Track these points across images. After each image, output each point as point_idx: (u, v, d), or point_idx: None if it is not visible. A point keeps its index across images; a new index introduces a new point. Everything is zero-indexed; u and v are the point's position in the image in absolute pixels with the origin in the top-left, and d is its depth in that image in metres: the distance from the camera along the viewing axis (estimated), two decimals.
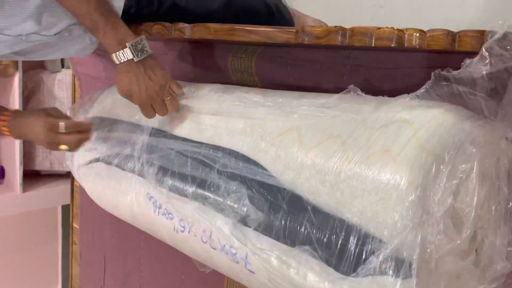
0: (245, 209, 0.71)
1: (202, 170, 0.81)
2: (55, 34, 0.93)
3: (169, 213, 0.86)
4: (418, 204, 0.56)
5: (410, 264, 0.55)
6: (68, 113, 1.19)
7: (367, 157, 0.61)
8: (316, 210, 0.64)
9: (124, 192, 0.97)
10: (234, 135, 0.80)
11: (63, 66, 2.28)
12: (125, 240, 1.57)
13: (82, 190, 1.77)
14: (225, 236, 0.74)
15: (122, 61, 0.85)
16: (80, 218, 1.83)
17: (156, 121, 0.95)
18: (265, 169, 0.72)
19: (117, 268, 1.59)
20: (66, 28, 0.94)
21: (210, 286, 1.17)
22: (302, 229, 0.64)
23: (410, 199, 0.56)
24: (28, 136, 0.97)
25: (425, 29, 0.75)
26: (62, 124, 0.92)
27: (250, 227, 0.70)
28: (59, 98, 2.24)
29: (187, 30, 1.06)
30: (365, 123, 0.65)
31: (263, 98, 0.79)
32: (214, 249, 0.77)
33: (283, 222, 0.67)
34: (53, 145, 0.94)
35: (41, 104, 2.20)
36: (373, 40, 0.79)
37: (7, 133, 0.98)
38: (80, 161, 1.13)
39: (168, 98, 0.89)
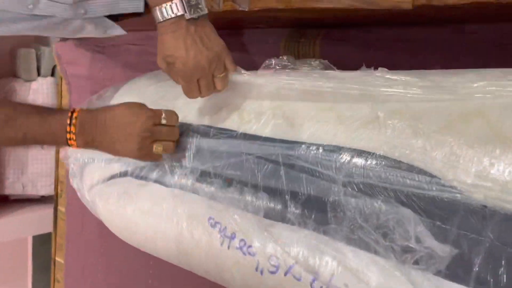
0: (413, 239, 0.44)
1: (310, 182, 0.54)
2: None
3: (248, 246, 0.58)
4: None
5: None
6: None
7: None
8: None
9: (169, 217, 0.68)
10: (358, 129, 0.53)
11: (39, 74, 2.00)
12: (128, 279, 1.27)
13: (70, 216, 1.50)
14: (374, 282, 0.46)
15: (168, 17, 0.65)
16: (66, 251, 1.54)
17: (216, 118, 0.68)
18: (436, 177, 0.45)
19: None
20: None
21: None
22: None
23: None
24: (108, 138, 0.70)
25: None
26: (162, 113, 0.71)
27: (428, 270, 0.43)
28: None
29: (243, 0, 0.80)
30: None
31: (402, 76, 0.53)
32: None
33: (491, 262, 0.41)
34: (148, 146, 0.70)
35: None
36: None
37: (73, 142, 0.70)
38: (94, 178, 0.84)
39: (222, 74, 0.67)
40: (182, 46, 0.64)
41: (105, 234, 1.34)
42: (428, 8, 0.66)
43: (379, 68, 0.58)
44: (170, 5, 0.64)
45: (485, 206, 0.42)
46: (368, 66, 0.85)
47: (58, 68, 1.48)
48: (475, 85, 0.48)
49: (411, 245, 0.44)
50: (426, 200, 0.45)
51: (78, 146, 0.71)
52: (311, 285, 0.52)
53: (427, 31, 0.79)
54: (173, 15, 0.64)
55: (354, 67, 0.89)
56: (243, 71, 0.69)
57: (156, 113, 0.71)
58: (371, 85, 0.54)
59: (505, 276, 0.40)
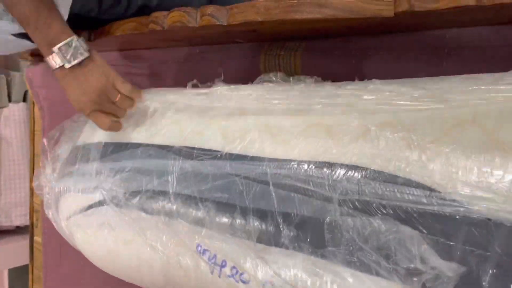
0: (418, 260, 0.41)
1: (304, 202, 0.51)
2: None
3: (241, 274, 0.54)
4: None
5: None
6: (45, 143, 0.87)
7: None
8: None
9: (153, 246, 0.64)
10: (350, 143, 0.51)
11: (10, 100, 1.94)
12: None
13: (46, 246, 1.43)
14: None
15: (54, 67, 0.72)
16: (44, 283, 1.46)
17: (199, 139, 0.65)
18: (436, 191, 0.43)
19: None
20: None
21: None
22: None
23: None
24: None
25: None
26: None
27: None
28: (6, 138, 1.91)
29: (221, 14, 0.78)
30: None
31: (388, 85, 0.51)
32: None
33: (501, 277, 0.39)
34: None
35: None
36: None
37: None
38: (71, 208, 0.79)
39: (117, 98, 0.74)
40: (72, 88, 0.72)
41: (84, 263, 1.28)
42: (410, 15, 0.65)
43: (372, 80, 0.56)
44: (52, 58, 0.71)
45: (489, 219, 0.40)
46: (351, 77, 0.84)
47: (30, 92, 1.43)
48: (468, 91, 0.46)
49: (416, 266, 0.41)
50: (427, 216, 0.43)
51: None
52: None
53: (409, 39, 0.78)
54: (57, 66, 0.71)
55: (337, 77, 0.87)
56: (225, 86, 0.68)
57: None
58: (358, 97, 0.52)
59: None
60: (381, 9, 0.67)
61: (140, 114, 0.76)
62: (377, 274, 0.44)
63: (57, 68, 0.71)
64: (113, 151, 0.76)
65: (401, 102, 0.49)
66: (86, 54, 0.71)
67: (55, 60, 0.71)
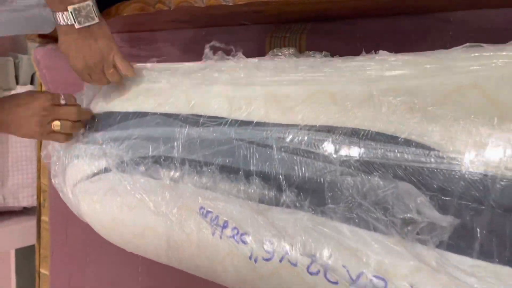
0: (415, 211, 0.42)
1: (305, 164, 0.52)
2: None
3: (241, 234, 0.56)
4: None
5: None
6: None
7: None
8: None
9: (158, 211, 0.65)
10: (352, 108, 0.52)
11: (17, 83, 1.95)
12: (116, 287, 1.23)
13: (54, 225, 1.45)
14: (374, 260, 0.45)
15: (62, 23, 0.75)
16: (51, 262, 1.48)
17: (206, 107, 0.67)
18: (434, 149, 0.45)
19: None
20: None
21: None
22: None
23: None
24: (15, 121, 0.78)
25: None
26: (61, 95, 0.82)
27: (431, 242, 0.42)
28: None
29: None
30: None
31: (390, 56, 0.53)
32: (334, 283, 0.48)
33: (495, 230, 0.40)
34: (47, 125, 0.80)
35: None
36: None
37: None
38: (78, 175, 0.80)
39: (110, 71, 0.78)
40: (73, 47, 0.76)
41: (90, 241, 1.30)
42: None
43: (380, 51, 0.57)
44: (63, 15, 0.74)
45: (486, 175, 0.41)
46: None
47: (37, 74, 1.45)
48: (470, 58, 0.48)
49: (412, 216, 0.42)
50: (425, 173, 0.44)
51: None
52: (307, 269, 0.50)
53: (413, 21, 0.79)
54: (65, 23, 0.74)
55: None
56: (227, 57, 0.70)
57: (55, 95, 0.81)
58: (364, 67, 0.54)
59: (508, 244, 0.39)
60: None
61: (149, 85, 0.77)
62: (375, 229, 0.45)
63: (65, 25, 0.74)
64: (121, 119, 0.77)
65: (405, 71, 0.51)
66: (97, 20, 0.75)
67: (67, 17, 0.74)
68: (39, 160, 1.55)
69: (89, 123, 0.84)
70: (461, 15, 0.75)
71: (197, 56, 1.07)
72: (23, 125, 0.78)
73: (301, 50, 0.90)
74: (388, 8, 0.78)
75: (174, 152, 0.65)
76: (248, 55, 0.96)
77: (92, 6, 0.74)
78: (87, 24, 0.74)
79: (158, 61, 0.88)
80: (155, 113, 0.72)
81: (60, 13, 0.74)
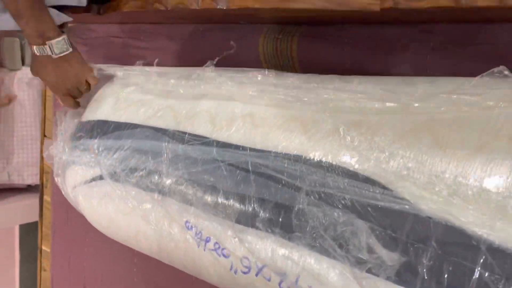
0: (365, 250, 0.48)
1: (278, 190, 0.58)
2: None
3: (222, 249, 0.62)
4: None
5: None
6: (56, 119, 0.97)
7: None
8: (494, 250, 0.43)
9: (149, 219, 0.71)
10: (321, 139, 0.57)
11: (23, 64, 1.98)
12: (113, 269, 1.31)
13: (55, 206, 1.52)
14: (332, 286, 0.51)
15: (42, 54, 0.85)
16: (52, 240, 1.56)
17: (190, 124, 0.71)
18: (388, 189, 0.49)
19: None
20: None
21: None
22: (472, 279, 0.43)
23: None
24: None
25: None
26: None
27: (379, 277, 0.48)
28: (19, 100, 1.96)
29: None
30: None
31: (363, 85, 0.56)
32: None
33: (434, 269, 0.45)
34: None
35: None
36: None
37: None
38: (77, 179, 0.86)
39: (85, 88, 0.92)
40: (51, 75, 0.88)
41: (90, 225, 1.36)
42: (395, 11, 0.69)
43: (353, 77, 0.60)
44: (40, 48, 0.83)
45: (430, 218, 0.46)
46: (344, 63, 0.88)
47: None
48: (428, 98, 0.51)
49: (363, 256, 0.47)
50: (380, 211, 0.49)
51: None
52: (279, 285, 0.56)
53: (398, 31, 0.81)
54: (42, 54, 0.84)
55: (330, 62, 0.91)
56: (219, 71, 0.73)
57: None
58: (335, 97, 0.57)
59: (446, 281, 0.44)
60: (370, 3, 0.70)
61: (139, 96, 0.82)
62: (334, 258, 0.51)
63: (42, 56, 0.85)
64: (114, 129, 0.83)
65: (369, 105, 0.54)
66: (70, 49, 0.86)
67: (44, 50, 0.84)
68: (42, 142, 1.59)
69: (84, 131, 0.90)
70: (442, 27, 0.77)
71: (194, 50, 1.10)
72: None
73: (292, 52, 0.93)
74: (372, 18, 0.80)
75: (162, 167, 0.70)
76: (243, 53, 0.99)
77: (67, 39, 0.85)
78: (62, 54, 0.85)
79: (157, 64, 0.91)
80: (144, 126, 0.77)
81: (39, 46, 0.84)
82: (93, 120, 0.89)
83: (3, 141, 1.94)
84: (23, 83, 1.93)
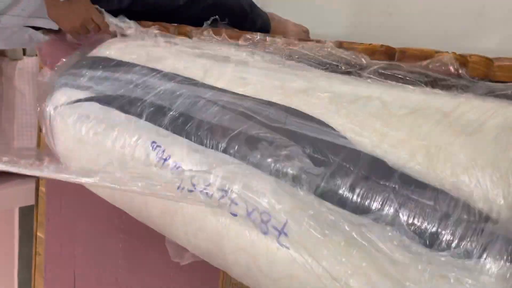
0: (299, 166, 0.57)
1: (243, 122, 0.66)
2: None
3: (178, 167, 0.69)
4: None
5: None
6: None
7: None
8: (405, 177, 0.52)
9: (118, 137, 0.79)
10: (292, 94, 0.67)
11: (24, 53, 2.01)
12: (100, 255, 1.38)
13: (49, 196, 1.57)
14: (262, 198, 0.58)
15: None
16: (46, 228, 1.61)
17: (185, 69, 0.81)
18: (334, 129, 0.59)
19: (89, 287, 1.41)
20: None
21: None
22: (382, 197, 0.52)
23: None
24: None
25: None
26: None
27: (303, 188, 0.56)
28: (20, 89, 1.98)
29: None
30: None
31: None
32: (234, 214, 0.62)
33: (355, 188, 0.54)
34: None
35: None
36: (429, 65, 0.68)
37: None
38: (61, 100, 0.93)
39: (92, 26, 1.05)
40: (61, 15, 1.04)
41: (82, 212, 1.44)
42: None
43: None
44: None
45: (361, 151, 0.56)
46: None
47: (40, 59, 1.49)
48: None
49: (297, 169, 0.57)
50: (322, 142, 0.59)
51: None
52: (217, 197, 0.62)
53: None
54: None
55: None
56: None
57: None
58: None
59: (360, 200, 0.53)
60: None
61: (145, 44, 0.93)
62: (272, 174, 0.60)
63: (54, 1, 1.00)
64: (115, 65, 0.92)
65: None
66: None
67: None
68: (39, 131, 1.65)
69: (85, 62, 0.99)
70: None
71: None
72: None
73: None
74: None
75: (148, 96, 0.79)
76: None
77: None
78: None
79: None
80: (144, 66, 0.86)
81: None
82: (98, 56, 0.98)
83: (4, 128, 1.95)
84: (24, 72, 1.95)
